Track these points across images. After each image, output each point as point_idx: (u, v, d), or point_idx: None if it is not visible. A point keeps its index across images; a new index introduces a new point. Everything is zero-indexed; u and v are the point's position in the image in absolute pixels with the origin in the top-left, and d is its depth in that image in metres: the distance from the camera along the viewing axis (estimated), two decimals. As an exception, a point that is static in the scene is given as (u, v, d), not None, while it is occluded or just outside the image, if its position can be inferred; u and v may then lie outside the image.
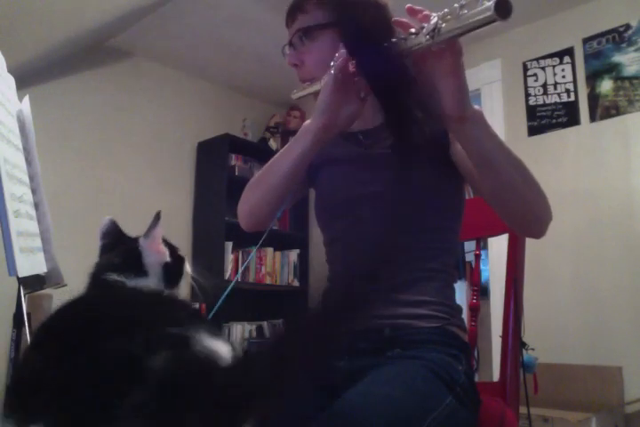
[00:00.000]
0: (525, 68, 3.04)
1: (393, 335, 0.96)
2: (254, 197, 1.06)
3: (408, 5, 0.75)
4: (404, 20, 0.77)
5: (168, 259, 0.73)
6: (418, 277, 1.00)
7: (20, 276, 0.76)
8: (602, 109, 2.75)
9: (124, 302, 0.59)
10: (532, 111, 2.99)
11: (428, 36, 0.69)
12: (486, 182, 0.89)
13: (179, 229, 3.43)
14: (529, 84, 3.02)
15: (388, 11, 1.09)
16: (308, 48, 1.06)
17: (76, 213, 3.01)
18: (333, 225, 1.10)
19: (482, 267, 2.59)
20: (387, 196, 1.02)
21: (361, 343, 0.98)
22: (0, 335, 2.29)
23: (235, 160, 3.68)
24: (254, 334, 3.64)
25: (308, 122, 0.95)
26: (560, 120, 2.89)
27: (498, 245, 2.85)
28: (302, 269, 3.84)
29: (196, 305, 3.11)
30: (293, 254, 3.83)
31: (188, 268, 0.78)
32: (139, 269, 0.70)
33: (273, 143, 3.87)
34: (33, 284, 1.03)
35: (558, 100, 2.91)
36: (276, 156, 1.02)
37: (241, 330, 3.57)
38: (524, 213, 0.89)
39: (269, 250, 3.74)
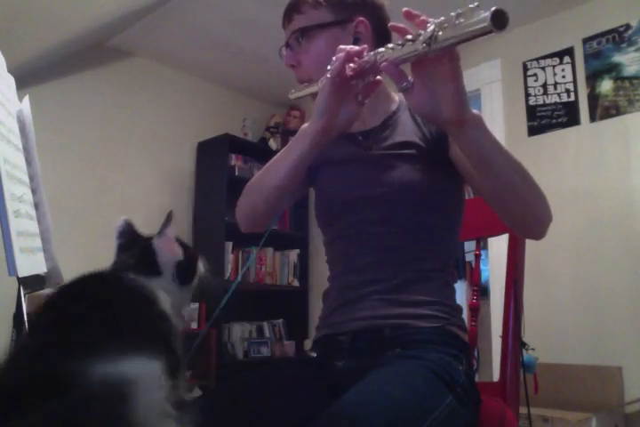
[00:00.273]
0: (525, 68, 3.04)
1: (393, 335, 0.96)
2: (252, 199, 1.06)
3: (405, 9, 0.75)
4: (401, 25, 0.77)
5: (181, 258, 0.74)
6: (417, 276, 1.00)
7: (20, 276, 0.76)
8: (602, 109, 2.75)
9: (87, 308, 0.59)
10: (532, 111, 2.99)
11: (424, 44, 0.69)
12: (486, 184, 0.89)
13: (179, 229, 3.39)
14: (529, 84, 3.02)
15: (385, 11, 1.09)
16: (305, 49, 1.06)
17: (75, 213, 3.01)
18: (333, 225, 1.10)
19: (482, 267, 2.59)
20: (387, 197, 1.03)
21: (361, 343, 0.98)
22: (0, 335, 2.29)
23: (235, 160, 3.69)
24: (254, 334, 3.64)
25: (305, 125, 0.95)
26: (560, 120, 2.89)
27: (498, 245, 2.85)
28: (302, 269, 3.84)
29: (196, 305, 3.12)
30: (293, 254, 3.83)
31: (201, 266, 0.79)
32: (153, 268, 0.72)
33: (273, 143, 3.87)
34: (33, 284, 1.03)
35: (558, 100, 2.91)
36: (274, 158, 1.02)
37: (241, 330, 3.58)
38: (524, 215, 0.89)
39: (269, 250, 3.75)
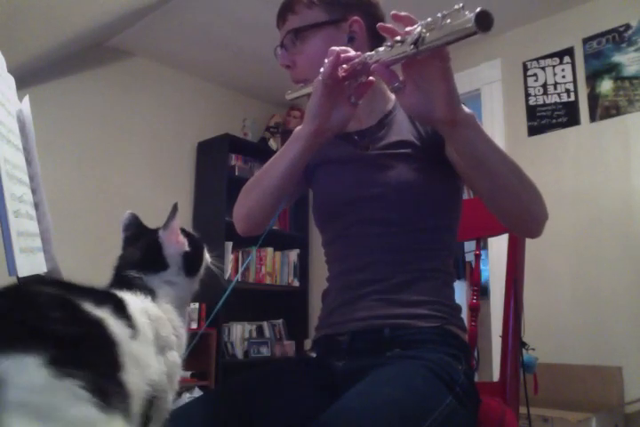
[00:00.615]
0: (525, 68, 3.04)
1: (392, 335, 0.96)
2: (249, 202, 1.06)
3: (393, 13, 0.75)
4: (389, 26, 0.77)
5: (187, 248, 0.75)
6: (416, 276, 1.00)
7: (20, 276, 0.76)
8: (602, 109, 2.75)
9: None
10: (532, 111, 2.99)
11: (412, 46, 0.69)
12: (481, 184, 0.89)
13: (179, 229, 3.42)
14: (529, 84, 3.02)
15: (380, 9, 1.09)
16: (300, 49, 1.06)
17: (75, 213, 3.02)
18: (331, 226, 1.10)
19: (482, 267, 2.59)
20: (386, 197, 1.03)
21: (360, 343, 0.98)
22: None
23: (235, 160, 3.69)
24: (254, 334, 3.64)
25: (299, 128, 0.95)
26: (560, 120, 2.89)
27: (498, 245, 2.85)
28: (302, 269, 3.84)
29: (196, 305, 3.12)
30: (293, 254, 3.83)
31: (207, 255, 0.80)
32: (159, 261, 0.73)
33: (273, 143, 3.87)
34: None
35: (558, 100, 2.91)
36: (270, 160, 1.02)
37: (241, 330, 3.58)
38: (520, 213, 0.89)
39: (269, 250, 3.75)
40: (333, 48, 0.86)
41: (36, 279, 0.65)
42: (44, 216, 0.96)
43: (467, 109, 0.80)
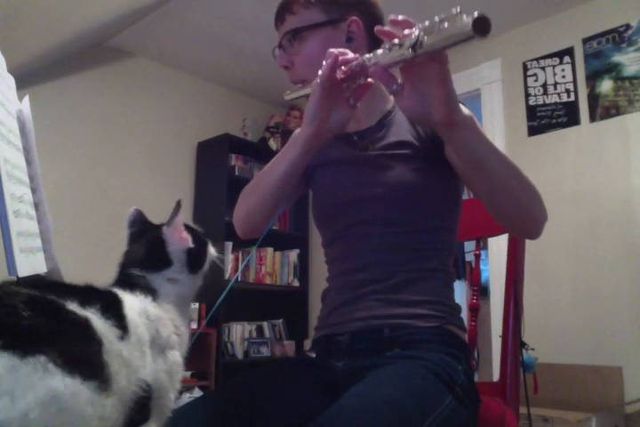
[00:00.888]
0: (525, 68, 3.04)
1: (392, 335, 0.96)
2: (249, 205, 1.06)
3: (391, 18, 0.75)
4: (387, 28, 0.77)
5: (191, 244, 0.75)
6: (416, 276, 1.00)
7: (20, 276, 0.76)
8: (602, 109, 2.75)
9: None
10: (532, 111, 2.99)
11: (410, 50, 0.69)
12: (480, 185, 0.89)
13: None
14: (529, 84, 3.02)
15: (379, 8, 1.08)
16: (298, 50, 1.05)
17: (75, 213, 3.02)
18: (331, 226, 1.10)
19: (482, 267, 2.59)
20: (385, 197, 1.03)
21: (360, 344, 0.98)
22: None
23: (235, 160, 3.69)
24: (254, 334, 3.64)
25: (298, 130, 0.95)
26: (560, 120, 2.89)
27: (498, 245, 2.85)
28: (302, 269, 3.84)
29: (196, 305, 3.12)
30: (293, 254, 3.83)
31: (212, 250, 0.80)
32: (163, 258, 0.73)
33: (273, 143, 3.87)
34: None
35: (558, 100, 2.91)
36: (269, 163, 1.02)
37: (241, 330, 3.58)
38: (519, 215, 0.89)
39: (269, 250, 3.75)
40: (331, 50, 0.85)
41: (25, 281, 0.65)
42: (44, 216, 0.96)
43: (465, 111, 0.80)
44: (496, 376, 1.20)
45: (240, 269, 3.51)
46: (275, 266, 3.77)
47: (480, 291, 1.33)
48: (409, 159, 1.03)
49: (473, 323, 1.25)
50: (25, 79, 2.34)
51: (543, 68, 2.98)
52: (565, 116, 2.87)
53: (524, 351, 1.20)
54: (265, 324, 3.72)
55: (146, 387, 0.61)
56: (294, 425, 0.87)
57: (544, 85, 2.97)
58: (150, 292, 0.70)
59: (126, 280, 0.71)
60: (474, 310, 1.28)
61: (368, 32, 1.05)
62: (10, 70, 0.93)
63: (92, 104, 3.24)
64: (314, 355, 1.07)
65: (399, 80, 0.78)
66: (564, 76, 2.91)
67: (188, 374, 3.00)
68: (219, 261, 0.81)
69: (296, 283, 3.82)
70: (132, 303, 0.66)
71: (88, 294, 0.61)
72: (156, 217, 0.83)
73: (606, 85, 2.75)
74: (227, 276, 3.43)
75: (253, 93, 4.01)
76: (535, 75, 3.01)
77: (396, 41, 0.73)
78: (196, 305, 3.15)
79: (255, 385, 0.94)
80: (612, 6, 2.78)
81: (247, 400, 0.89)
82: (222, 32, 3.18)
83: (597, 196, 2.69)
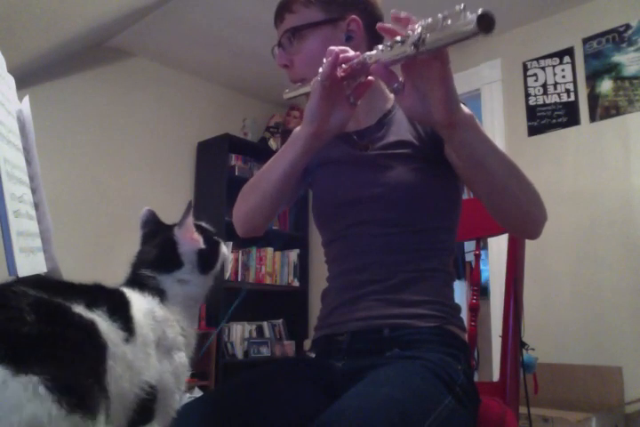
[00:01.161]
0: (525, 68, 3.04)
1: (392, 335, 0.96)
2: (249, 204, 1.06)
3: (393, 13, 0.75)
4: (388, 25, 0.76)
5: (202, 245, 0.75)
6: (416, 276, 1.00)
7: (20, 276, 0.76)
8: (602, 109, 2.75)
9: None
10: (531, 111, 2.99)
11: (412, 47, 0.69)
12: (479, 185, 0.89)
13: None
14: (529, 84, 3.02)
15: (378, 7, 1.08)
16: (297, 49, 1.05)
17: (75, 213, 3.02)
18: (331, 226, 1.10)
19: (482, 267, 2.59)
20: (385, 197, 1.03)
21: (360, 344, 0.98)
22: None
23: (235, 160, 3.69)
24: (254, 334, 3.64)
25: (298, 129, 0.95)
26: (560, 120, 2.89)
27: (498, 245, 2.85)
28: (302, 269, 3.84)
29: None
30: (293, 254, 3.83)
31: (224, 250, 0.80)
32: (174, 259, 0.74)
33: (273, 143, 3.87)
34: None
35: (558, 100, 2.91)
36: (268, 162, 1.02)
37: (241, 330, 3.58)
38: (518, 215, 0.89)
39: (269, 250, 3.75)
40: (332, 48, 0.85)
41: (33, 280, 0.65)
42: (43, 216, 0.96)
43: (466, 110, 0.80)
44: (496, 376, 1.20)
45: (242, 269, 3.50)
46: (275, 266, 3.77)
47: (480, 291, 1.33)
48: (409, 159, 1.02)
49: (473, 323, 1.25)
50: (25, 79, 2.34)
51: (543, 68, 2.98)
52: (565, 116, 2.87)
53: (524, 351, 1.20)
54: (265, 324, 3.72)
55: (150, 389, 0.61)
56: (294, 425, 0.87)
57: (544, 85, 2.97)
58: (159, 293, 0.71)
59: (137, 280, 0.72)
60: (474, 310, 1.28)
61: (367, 31, 1.05)
62: (10, 70, 0.93)
63: (92, 104, 3.24)
64: (314, 355, 1.07)
65: (400, 78, 0.78)
66: (564, 76, 2.91)
67: (188, 374, 2.99)
68: (228, 262, 0.82)
69: (296, 283, 3.82)
70: (140, 304, 0.66)
71: (96, 295, 0.62)
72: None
73: (606, 85, 2.75)
74: (227, 276, 3.43)
75: (253, 93, 4.01)
76: (535, 75, 3.01)
77: (398, 38, 0.73)
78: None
79: (255, 385, 0.94)
80: (612, 6, 2.78)
81: (247, 400, 0.89)
82: (222, 32, 3.18)
83: (597, 196, 2.69)
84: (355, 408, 0.74)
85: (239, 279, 3.54)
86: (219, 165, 3.58)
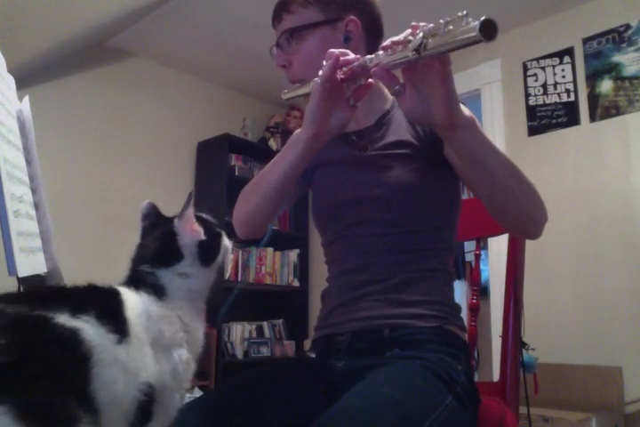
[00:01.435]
0: (525, 68, 3.04)
1: (392, 335, 0.96)
2: (249, 206, 1.05)
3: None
4: (389, 44, 0.76)
5: (203, 237, 0.74)
6: (416, 276, 1.00)
7: (20, 276, 0.76)
8: (602, 109, 2.75)
9: None
10: (531, 111, 2.99)
11: (414, 52, 0.69)
12: (480, 185, 0.89)
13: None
14: (529, 84, 3.02)
15: (376, 7, 1.08)
16: (296, 49, 1.05)
17: (75, 213, 3.01)
18: (331, 227, 1.10)
19: (482, 267, 2.59)
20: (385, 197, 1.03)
21: (360, 344, 0.98)
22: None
23: (235, 160, 3.69)
24: (254, 334, 3.64)
25: (298, 131, 0.95)
26: (560, 120, 2.89)
27: (498, 245, 2.85)
28: (302, 269, 3.84)
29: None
30: (293, 254, 3.83)
31: (226, 242, 0.79)
32: (174, 252, 0.72)
33: (273, 143, 3.87)
34: (33, 284, 1.03)
35: (558, 100, 2.91)
36: (269, 164, 1.02)
37: (241, 330, 3.58)
38: (518, 215, 0.89)
39: (269, 250, 3.75)
40: (332, 50, 0.85)
41: (17, 293, 0.64)
42: (43, 216, 0.96)
43: (466, 112, 0.80)
44: (496, 376, 1.20)
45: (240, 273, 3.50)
46: (275, 266, 3.77)
47: (480, 291, 1.33)
48: (408, 159, 1.02)
49: (473, 323, 1.25)
50: (25, 79, 2.34)
51: (543, 68, 2.98)
52: (565, 116, 2.87)
53: (524, 351, 1.20)
54: (265, 324, 3.72)
55: (147, 390, 0.60)
56: (294, 425, 0.87)
57: (544, 85, 2.97)
58: (157, 289, 0.69)
59: (135, 277, 0.71)
60: (474, 310, 1.28)
61: (366, 32, 1.05)
62: (10, 70, 0.93)
63: (92, 104, 3.24)
64: (314, 355, 1.07)
65: (401, 80, 0.78)
66: (564, 76, 2.91)
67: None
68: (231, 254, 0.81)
69: (296, 283, 3.82)
70: (134, 303, 0.65)
71: (85, 299, 0.61)
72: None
73: (606, 85, 2.75)
74: (226, 276, 3.43)
75: (253, 93, 4.01)
76: (535, 75, 3.01)
77: (399, 38, 0.73)
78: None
79: (255, 385, 0.94)
80: (612, 6, 2.78)
81: (247, 400, 0.89)
82: (222, 32, 3.18)
83: (597, 196, 2.69)
84: (355, 408, 0.74)
85: (239, 279, 3.54)
86: (219, 165, 3.58)
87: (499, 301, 2.85)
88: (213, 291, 0.78)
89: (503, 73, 3.13)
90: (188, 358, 0.68)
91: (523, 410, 1.20)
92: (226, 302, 0.96)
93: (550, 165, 2.84)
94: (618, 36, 2.74)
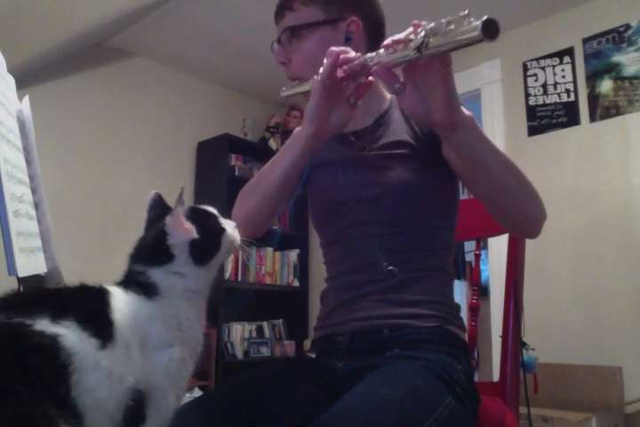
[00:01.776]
0: (525, 68, 3.04)
1: (392, 335, 0.96)
2: (249, 205, 1.05)
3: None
4: (389, 41, 0.76)
5: (195, 235, 0.69)
6: (415, 276, 1.00)
7: (20, 276, 0.76)
8: (602, 109, 2.75)
9: None
10: (531, 111, 2.99)
11: (415, 51, 0.69)
12: (479, 185, 0.89)
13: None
14: (529, 84, 3.02)
15: (379, 8, 1.08)
16: (296, 47, 1.05)
17: (76, 213, 3.02)
18: (329, 227, 1.10)
19: (482, 267, 2.59)
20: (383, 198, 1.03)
21: (360, 344, 0.98)
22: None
23: (235, 160, 3.69)
24: (254, 334, 3.64)
25: (298, 129, 0.95)
26: (560, 120, 2.89)
27: (498, 245, 2.85)
28: (302, 269, 3.84)
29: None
30: (293, 254, 3.83)
31: (229, 238, 0.73)
32: (164, 252, 0.68)
33: (273, 143, 3.87)
34: (33, 284, 1.03)
35: (558, 100, 2.91)
36: (268, 163, 1.01)
37: (241, 330, 3.58)
38: (517, 214, 0.89)
39: (269, 250, 3.75)
40: (332, 48, 0.85)
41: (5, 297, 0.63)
42: (43, 216, 0.96)
43: (466, 111, 0.80)
44: (496, 376, 1.20)
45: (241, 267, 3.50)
46: (275, 266, 3.77)
47: (480, 291, 1.33)
48: (406, 159, 1.02)
49: (473, 323, 1.25)
50: (25, 79, 2.34)
51: (543, 68, 2.98)
52: (565, 116, 2.87)
53: (524, 351, 1.20)
54: (265, 324, 3.72)
55: (135, 394, 0.59)
56: (294, 425, 0.87)
57: (544, 85, 2.97)
58: (149, 288, 0.67)
59: (127, 276, 0.69)
60: (474, 310, 1.28)
61: (367, 33, 1.05)
62: (10, 70, 0.93)
63: (92, 104, 3.24)
64: (314, 355, 1.07)
65: (401, 79, 0.78)
66: (564, 76, 2.91)
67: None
68: (242, 251, 0.76)
69: (296, 283, 3.82)
70: (123, 304, 0.63)
71: (69, 301, 0.60)
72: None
73: (606, 85, 2.75)
74: (226, 276, 3.43)
75: (253, 93, 4.01)
76: (535, 75, 3.01)
77: (399, 37, 0.73)
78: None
79: (255, 385, 0.94)
80: (612, 6, 2.78)
81: (247, 400, 0.89)
82: (222, 32, 3.18)
83: (597, 195, 2.69)
84: (355, 408, 0.74)
85: (239, 279, 3.54)
86: (219, 165, 3.58)
87: (499, 301, 2.85)
88: (214, 292, 0.76)
89: (503, 73, 3.13)
90: (182, 358, 0.66)
91: (523, 410, 1.20)
92: (233, 307, 0.96)
93: (550, 165, 2.84)
94: (618, 36, 2.74)
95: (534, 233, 0.92)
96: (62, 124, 3.09)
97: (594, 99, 2.78)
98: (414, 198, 1.02)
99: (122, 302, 0.63)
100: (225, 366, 3.29)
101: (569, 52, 2.90)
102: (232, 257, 3.51)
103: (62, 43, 2.80)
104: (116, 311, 0.61)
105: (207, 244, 0.71)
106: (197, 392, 2.96)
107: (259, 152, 3.74)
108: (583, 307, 2.65)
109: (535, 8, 2.92)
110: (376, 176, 1.03)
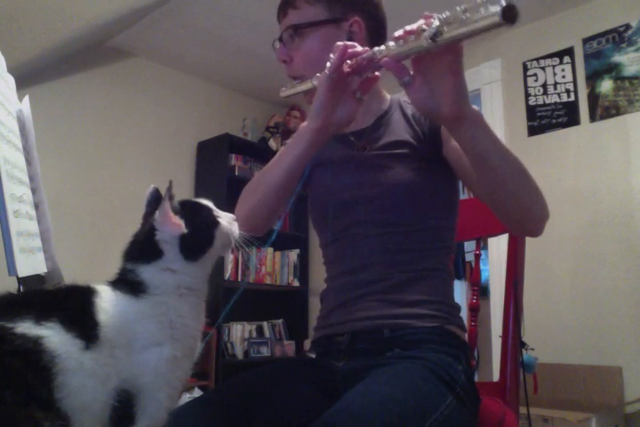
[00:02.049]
0: (525, 68, 3.04)
1: (392, 336, 0.96)
2: (252, 201, 1.03)
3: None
4: (399, 33, 0.77)
5: (184, 230, 0.68)
6: (416, 276, 1.00)
7: (20, 276, 0.76)
8: (602, 109, 2.75)
9: None
10: (531, 111, 2.99)
11: (429, 40, 0.69)
12: (483, 181, 0.89)
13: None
14: (529, 84, 3.02)
15: (381, 9, 1.08)
16: (298, 45, 1.05)
17: (76, 213, 3.02)
18: (329, 227, 1.10)
19: (482, 267, 2.59)
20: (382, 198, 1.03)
21: (360, 344, 0.98)
22: None
23: (235, 160, 3.69)
24: (254, 334, 3.65)
25: (304, 124, 0.95)
26: (560, 120, 2.89)
27: (498, 245, 2.85)
28: (302, 269, 3.84)
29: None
30: (293, 254, 3.83)
31: (223, 231, 0.71)
32: (152, 248, 0.67)
33: (273, 143, 3.87)
34: (33, 284, 1.03)
35: (558, 100, 2.91)
36: (273, 159, 1.01)
37: (241, 330, 3.58)
38: (519, 212, 0.89)
39: (269, 250, 3.75)
40: (339, 43, 0.85)
41: None
42: (43, 216, 0.96)
43: (474, 107, 0.80)
44: (496, 376, 1.20)
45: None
46: (275, 266, 3.77)
47: (480, 291, 1.33)
48: (407, 159, 1.02)
49: (473, 323, 1.25)
50: (25, 79, 2.34)
51: (543, 68, 2.98)
52: (565, 116, 2.87)
53: (524, 351, 1.20)
54: (265, 324, 3.72)
55: (121, 395, 0.58)
56: (294, 425, 0.87)
57: (544, 85, 2.97)
58: (138, 286, 0.65)
59: (119, 274, 0.67)
60: (474, 310, 1.27)
61: (369, 34, 1.05)
62: (10, 70, 0.93)
63: (92, 104, 3.24)
64: (314, 355, 1.06)
65: (410, 71, 0.78)
66: (563, 76, 2.91)
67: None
68: (240, 246, 0.73)
69: (296, 283, 3.82)
70: (109, 304, 0.62)
71: (54, 303, 0.59)
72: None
73: (606, 85, 2.75)
74: (226, 276, 3.43)
75: (253, 93, 4.01)
76: (535, 75, 3.01)
77: (412, 27, 0.73)
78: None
79: (255, 385, 0.94)
80: (612, 6, 2.78)
81: (246, 400, 0.89)
82: (222, 32, 3.18)
83: (597, 195, 2.69)
84: (355, 408, 0.74)
85: (239, 279, 3.54)
86: (219, 165, 3.58)
87: (499, 301, 2.85)
88: (214, 292, 0.74)
89: (503, 73, 3.13)
90: (173, 357, 0.64)
91: (523, 410, 1.20)
92: (218, 301, 0.96)
93: (550, 164, 2.84)
94: (618, 36, 2.74)
95: (536, 231, 0.91)
96: (62, 124, 3.09)
97: (594, 99, 2.78)
98: (414, 198, 1.01)
99: (108, 302, 0.62)
100: (225, 366, 3.29)
101: (569, 52, 2.90)
102: (232, 257, 3.51)
103: (62, 43, 2.80)
104: (101, 311, 0.60)
105: (198, 238, 0.69)
106: (197, 392, 2.96)
107: (259, 152, 3.74)
108: (583, 307, 2.65)
109: (535, 8, 2.92)
110: (376, 176, 1.03)
